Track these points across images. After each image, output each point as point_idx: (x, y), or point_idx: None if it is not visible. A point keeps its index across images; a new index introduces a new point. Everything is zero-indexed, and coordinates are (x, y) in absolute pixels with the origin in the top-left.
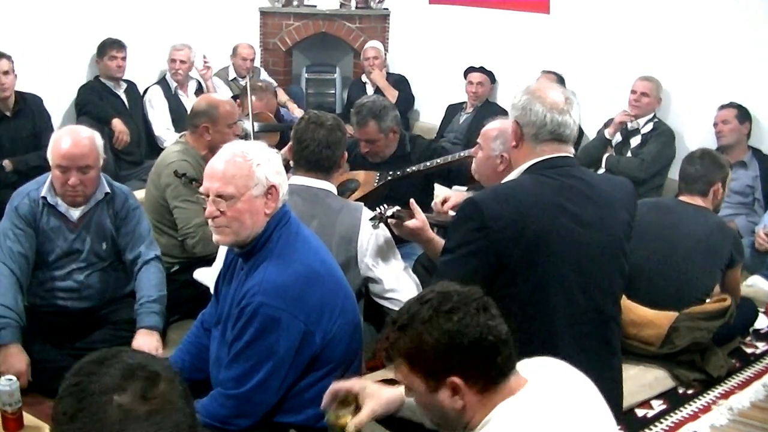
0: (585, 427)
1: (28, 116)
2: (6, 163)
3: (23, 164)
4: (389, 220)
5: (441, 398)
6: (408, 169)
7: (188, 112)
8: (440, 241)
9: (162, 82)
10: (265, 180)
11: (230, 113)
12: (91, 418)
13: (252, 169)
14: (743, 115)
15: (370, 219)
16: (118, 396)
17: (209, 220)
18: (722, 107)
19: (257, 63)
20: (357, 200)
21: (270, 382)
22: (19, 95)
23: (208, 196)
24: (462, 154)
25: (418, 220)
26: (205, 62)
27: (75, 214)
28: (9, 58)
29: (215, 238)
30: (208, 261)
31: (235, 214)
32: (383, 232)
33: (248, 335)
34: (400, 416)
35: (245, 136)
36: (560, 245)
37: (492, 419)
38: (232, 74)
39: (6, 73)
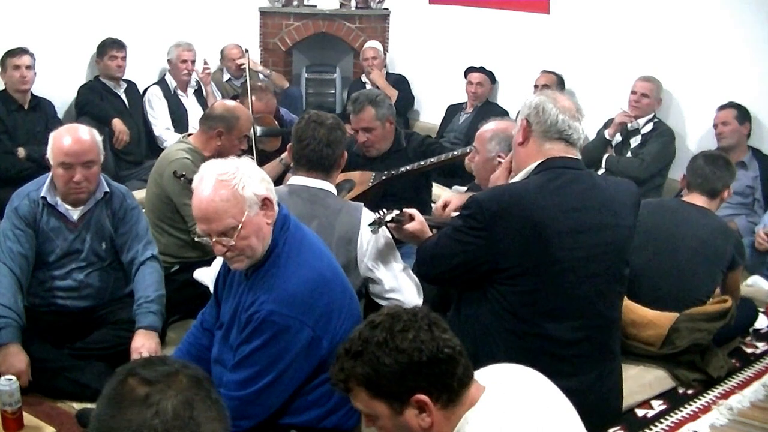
0: (548, 423)
1: (41, 113)
2: (20, 150)
3: (36, 152)
4: (388, 224)
5: (407, 419)
6: (402, 168)
7: (187, 112)
8: None
9: (161, 82)
10: (254, 197)
11: (247, 127)
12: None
13: (239, 193)
14: (743, 115)
15: (370, 224)
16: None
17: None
18: (721, 108)
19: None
20: (352, 199)
21: (275, 387)
22: (34, 96)
23: (210, 236)
24: (455, 152)
25: (417, 222)
26: (205, 68)
27: (74, 214)
28: (32, 55)
29: (233, 267)
30: (207, 261)
31: (243, 242)
32: (383, 232)
33: (256, 342)
34: None
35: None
36: (562, 250)
37: (461, 429)
38: (226, 76)
39: (28, 67)
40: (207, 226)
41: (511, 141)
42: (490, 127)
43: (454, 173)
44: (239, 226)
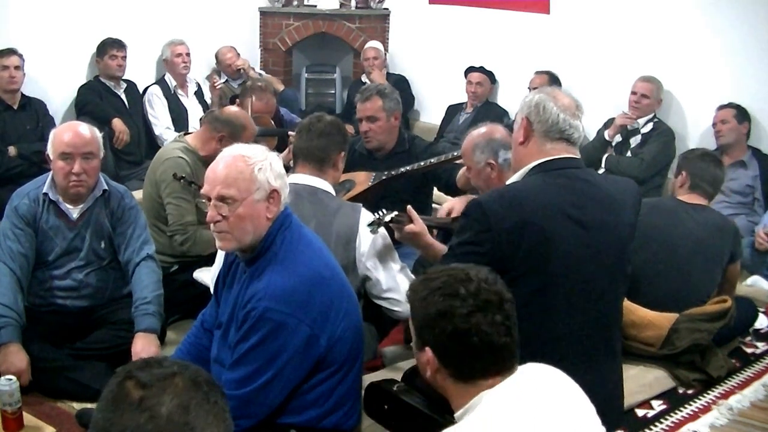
0: (563, 419)
1: (32, 112)
2: (11, 149)
3: (27, 149)
4: (388, 225)
5: (420, 358)
6: (402, 169)
7: (188, 112)
8: (439, 246)
9: (161, 81)
10: (266, 184)
11: (248, 139)
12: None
13: (254, 173)
14: (742, 114)
15: (369, 224)
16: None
17: (211, 225)
18: (721, 107)
19: (257, 63)
20: (351, 199)
21: (273, 385)
22: (24, 96)
23: (209, 199)
24: (455, 153)
25: (417, 225)
26: (214, 82)
27: (74, 212)
28: (21, 56)
29: (218, 244)
30: (208, 261)
31: (236, 219)
32: (381, 232)
33: (254, 339)
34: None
35: None
36: (563, 249)
37: (471, 408)
38: (223, 77)
39: (17, 68)
40: (210, 187)
41: (494, 144)
42: (468, 140)
43: (449, 187)
44: (239, 202)
